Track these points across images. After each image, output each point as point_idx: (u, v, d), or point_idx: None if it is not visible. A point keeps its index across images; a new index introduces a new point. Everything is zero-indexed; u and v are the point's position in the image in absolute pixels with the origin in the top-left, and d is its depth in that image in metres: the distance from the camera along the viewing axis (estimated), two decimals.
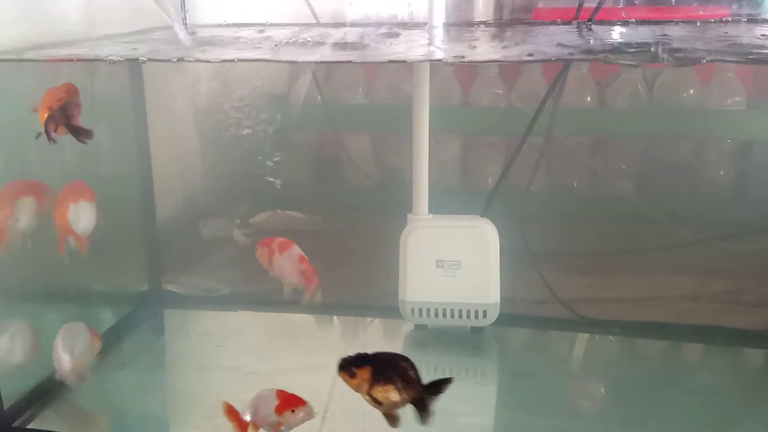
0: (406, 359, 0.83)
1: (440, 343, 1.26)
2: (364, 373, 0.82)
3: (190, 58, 0.98)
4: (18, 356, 1.06)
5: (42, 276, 1.16)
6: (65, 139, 1.11)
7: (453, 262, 1.22)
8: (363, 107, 1.66)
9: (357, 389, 0.83)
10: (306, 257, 1.09)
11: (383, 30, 1.19)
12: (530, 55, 0.95)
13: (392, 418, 0.84)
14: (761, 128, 1.50)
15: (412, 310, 1.24)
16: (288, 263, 1.09)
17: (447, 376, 0.82)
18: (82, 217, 1.02)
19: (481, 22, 1.34)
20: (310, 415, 0.89)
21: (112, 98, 1.38)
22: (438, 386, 0.83)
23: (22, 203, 1.03)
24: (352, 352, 0.83)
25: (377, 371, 0.82)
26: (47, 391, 1.12)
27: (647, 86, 1.56)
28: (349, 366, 0.82)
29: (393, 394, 0.82)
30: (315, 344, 1.30)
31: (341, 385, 1.09)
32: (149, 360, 1.28)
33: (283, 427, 0.89)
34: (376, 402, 0.83)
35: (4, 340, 1.06)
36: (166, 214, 1.52)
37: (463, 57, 0.93)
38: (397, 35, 1.12)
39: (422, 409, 0.82)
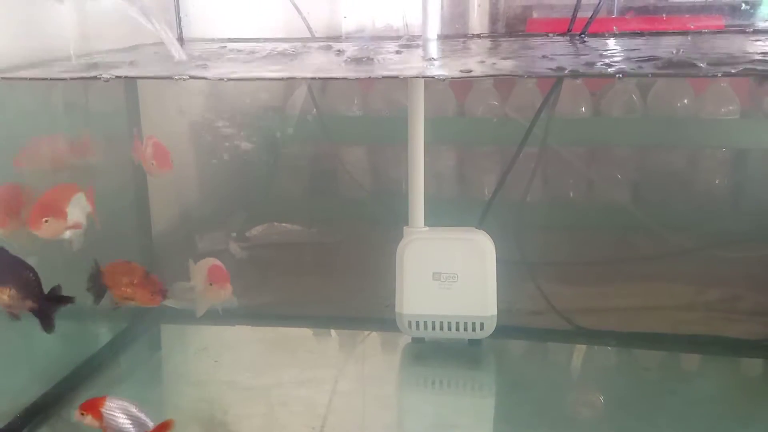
0: (30, 269, 0.92)
1: (438, 356, 1.26)
2: None
3: (183, 76, 0.98)
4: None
5: None
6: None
7: (449, 275, 1.22)
8: (358, 119, 1.66)
9: None
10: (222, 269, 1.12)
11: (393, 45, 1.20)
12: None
13: (13, 316, 0.94)
14: (755, 137, 1.51)
15: (409, 323, 1.24)
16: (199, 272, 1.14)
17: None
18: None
19: (475, 35, 1.35)
20: None
21: (107, 112, 1.38)
22: (59, 300, 0.92)
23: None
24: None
25: None
26: (43, 409, 1.11)
27: (641, 96, 1.56)
28: None
29: (4, 297, 0.90)
30: (312, 358, 1.29)
31: (339, 399, 1.09)
32: (146, 375, 1.28)
33: None
34: None
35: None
36: (162, 228, 1.52)
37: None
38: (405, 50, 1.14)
39: (44, 318, 0.92)
